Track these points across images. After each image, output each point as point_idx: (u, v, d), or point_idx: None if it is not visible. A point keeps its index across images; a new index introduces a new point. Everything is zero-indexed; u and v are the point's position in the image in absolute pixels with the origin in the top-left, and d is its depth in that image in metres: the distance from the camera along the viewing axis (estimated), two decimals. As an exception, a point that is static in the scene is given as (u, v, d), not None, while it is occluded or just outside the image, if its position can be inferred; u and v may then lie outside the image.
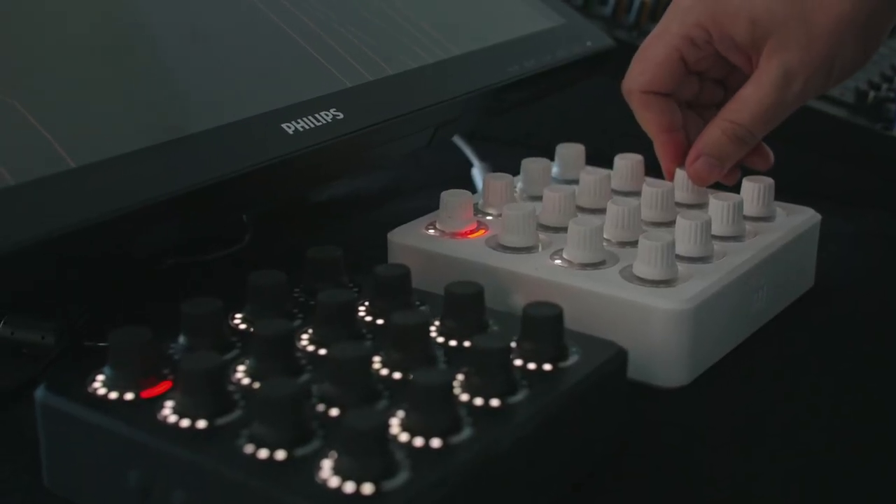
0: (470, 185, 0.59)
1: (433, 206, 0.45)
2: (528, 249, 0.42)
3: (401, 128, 0.45)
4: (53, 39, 0.40)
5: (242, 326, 0.36)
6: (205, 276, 0.48)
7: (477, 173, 0.58)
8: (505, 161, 0.61)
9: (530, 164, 0.48)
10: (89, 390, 0.32)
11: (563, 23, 0.55)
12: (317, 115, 0.42)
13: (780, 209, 0.46)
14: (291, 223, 0.54)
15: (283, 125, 0.41)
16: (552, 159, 0.49)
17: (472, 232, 0.44)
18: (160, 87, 0.40)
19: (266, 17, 0.46)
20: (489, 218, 0.45)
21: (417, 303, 0.38)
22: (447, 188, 0.44)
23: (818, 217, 0.46)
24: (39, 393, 0.32)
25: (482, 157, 0.60)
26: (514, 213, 0.42)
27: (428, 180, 0.60)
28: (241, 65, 0.43)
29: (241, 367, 0.33)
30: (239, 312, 0.37)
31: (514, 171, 0.49)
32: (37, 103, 0.36)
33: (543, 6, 0.56)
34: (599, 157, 0.51)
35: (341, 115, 0.43)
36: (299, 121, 0.42)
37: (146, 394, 0.31)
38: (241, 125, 0.40)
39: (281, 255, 0.49)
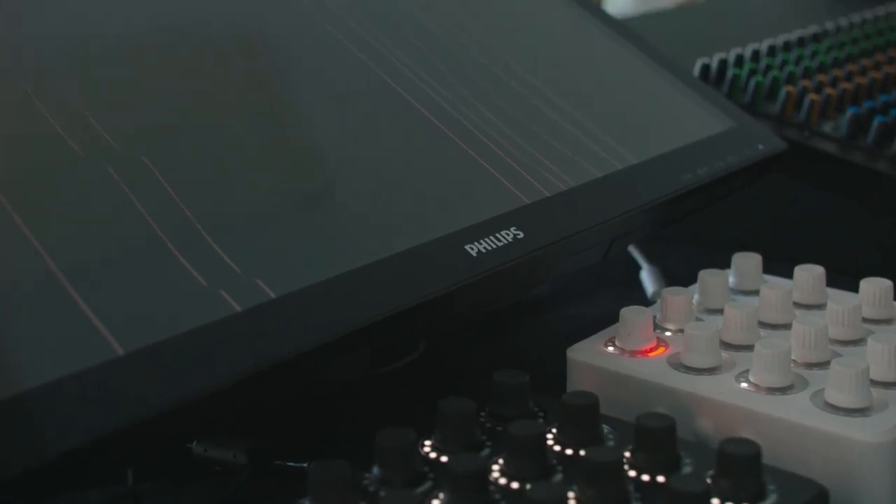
0: (638, 288, 0.58)
1: (603, 311, 0.45)
2: (712, 370, 0.41)
3: (579, 243, 0.45)
4: (232, 169, 0.41)
5: (433, 455, 0.36)
6: (383, 388, 0.48)
7: (646, 277, 0.58)
8: (672, 261, 0.61)
9: (708, 277, 0.47)
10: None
11: (733, 126, 0.55)
12: (498, 235, 0.43)
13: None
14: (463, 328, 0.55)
15: (467, 247, 0.42)
16: (718, 255, 0.49)
17: (652, 350, 0.43)
18: (343, 213, 0.41)
19: (438, 130, 0.47)
20: (668, 334, 0.45)
21: (606, 429, 0.38)
22: (615, 291, 0.44)
23: None
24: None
25: (649, 257, 0.60)
26: (697, 332, 0.41)
27: (596, 282, 0.59)
28: (419, 183, 0.44)
29: (435, 502, 0.33)
30: (428, 439, 0.37)
31: (683, 272, 0.48)
32: (230, 239, 0.38)
33: (714, 109, 0.56)
34: (768, 257, 0.50)
35: (521, 234, 0.43)
36: (481, 242, 0.42)
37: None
38: (424, 249, 0.41)
39: (456, 366, 0.49)
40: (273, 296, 0.36)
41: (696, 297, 0.48)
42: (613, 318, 0.46)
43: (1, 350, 0.32)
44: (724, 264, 0.51)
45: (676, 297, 0.45)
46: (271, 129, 0.45)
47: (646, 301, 0.56)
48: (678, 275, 0.57)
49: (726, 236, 0.62)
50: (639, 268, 0.59)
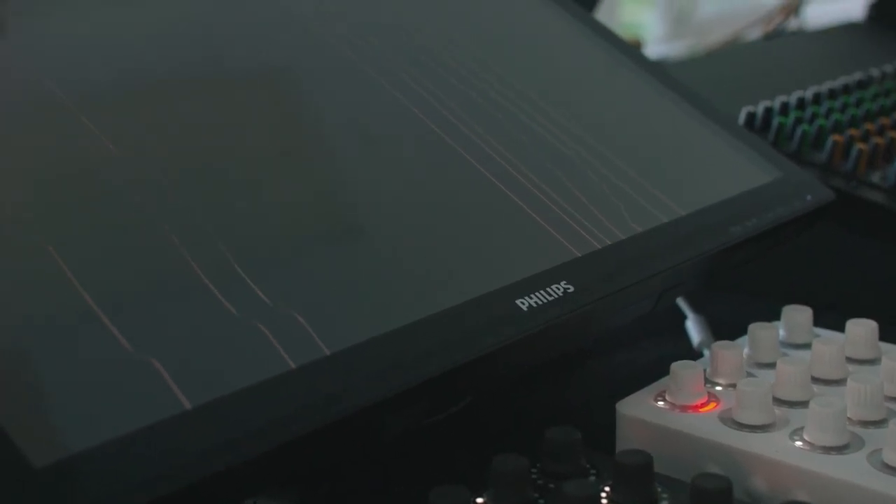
0: (683, 336, 0.58)
1: (648, 359, 0.44)
2: (766, 428, 0.41)
3: (629, 297, 0.45)
4: (287, 223, 0.41)
5: (487, 514, 0.36)
6: (430, 442, 0.48)
7: (692, 326, 0.58)
8: (717, 309, 0.60)
9: (758, 331, 0.47)
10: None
11: (781, 176, 0.55)
12: (549, 290, 0.42)
13: None
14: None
15: (518, 301, 0.41)
16: (763, 303, 0.48)
17: (703, 405, 0.43)
18: (393, 266, 0.41)
19: (486, 179, 0.47)
20: (719, 389, 0.44)
21: (659, 489, 0.37)
22: (660, 339, 0.44)
23: None
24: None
25: (693, 305, 0.59)
26: (750, 389, 0.41)
27: (640, 329, 0.59)
28: (469, 234, 0.44)
29: (490, 563, 0.33)
30: (480, 497, 0.37)
31: (728, 320, 0.48)
32: (282, 291, 0.38)
33: (761, 159, 0.55)
34: (813, 305, 0.49)
35: (572, 288, 0.43)
36: (532, 296, 0.42)
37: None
38: (476, 304, 0.41)
39: (503, 415, 0.49)
40: (327, 352, 0.36)
41: (746, 350, 0.48)
42: (659, 368, 0.46)
43: (61, 406, 0.32)
44: (770, 312, 0.50)
45: (727, 352, 0.45)
46: (316, 182, 0.45)
47: (691, 350, 0.56)
48: (723, 323, 0.57)
49: (771, 284, 0.62)
50: (683, 315, 0.59)
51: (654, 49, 1.15)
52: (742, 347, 0.46)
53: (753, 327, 0.47)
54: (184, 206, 0.40)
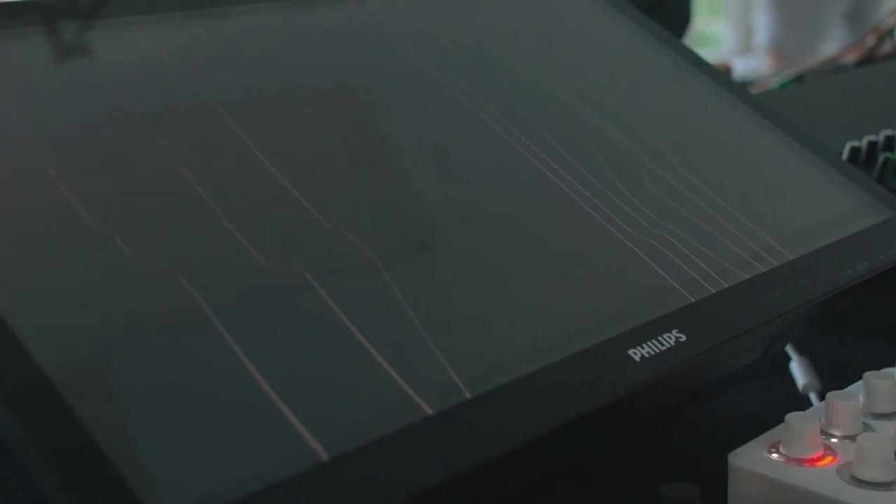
0: (787, 378, 0.57)
1: (754, 403, 0.43)
2: (888, 485, 0.40)
3: (740, 345, 0.44)
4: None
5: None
6: (540, 497, 0.48)
7: (796, 368, 0.56)
8: (822, 350, 0.59)
9: (874, 380, 0.46)
10: None
11: (891, 216, 0.53)
12: (660, 339, 0.42)
13: None
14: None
15: (630, 351, 0.41)
16: (868, 343, 0.47)
17: (819, 459, 0.42)
18: (508, 316, 0.41)
19: (596, 222, 0.46)
20: (834, 440, 0.43)
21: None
22: (764, 381, 0.43)
23: None
24: None
25: (797, 345, 0.58)
26: (871, 444, 0.40)
27: (743, 370, 0.58)
28: (581, 277, 0.44)
29: None
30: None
31: (834, 361, 0.47)
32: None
33: (869, 197, 0.54)
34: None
35: (683, 337, 0.42)
36: (644, 346, 0.41)
37: None
38: (588, 355, 0.40)
39: (610, 462, 0.48)
40: (430, 412, 0.36)
41: (860, 398, 0.46)
42: (765, 412, 0.45)
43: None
44: (875, 352, 0.49)
45: (843, 404, 0.44)
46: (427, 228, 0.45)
47: (796, 392, 0.55)
48: (828, 364, 0.56)
49: (875, 323, 0.60)
50: (786, 355, 0.58)
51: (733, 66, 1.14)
52: (857, 397, 0.45)
53: (869, 376, 0.46)
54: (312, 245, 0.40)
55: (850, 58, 0.96)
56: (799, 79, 0.98)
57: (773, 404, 0.48)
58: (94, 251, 0.37)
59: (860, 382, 0.47)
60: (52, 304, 0.34)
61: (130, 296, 0.36)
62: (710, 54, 0.88)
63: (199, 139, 0.43)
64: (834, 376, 0.55)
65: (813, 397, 0.54)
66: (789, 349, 0.58)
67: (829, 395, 0.45)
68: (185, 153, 0.42)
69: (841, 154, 0.62)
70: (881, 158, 0.61)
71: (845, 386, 0.47)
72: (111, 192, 0.39)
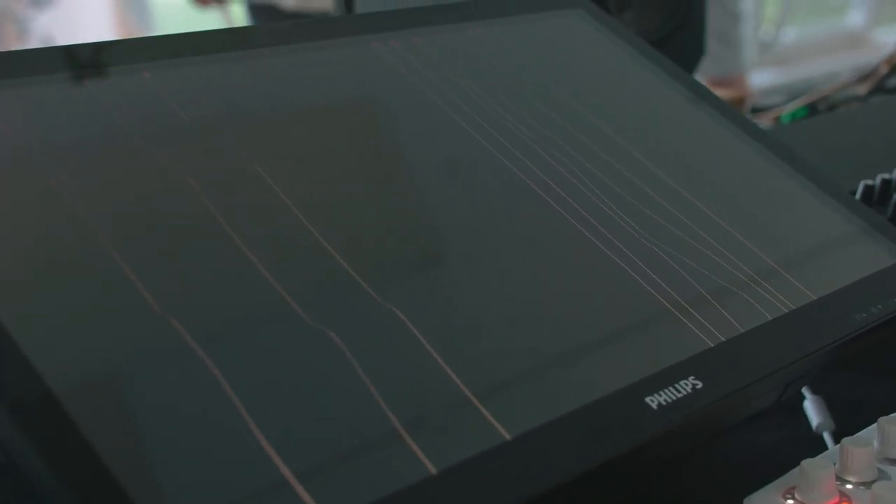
0: (801, 416, 0.57)
1: (768, 442, 0.43)
2: (903, 534, 0.40)
3: (757, 391, 0.45)
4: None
5: None
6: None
7: (810, 407, 0.57)
8: (835, 388, 0.59)
9: (889, 426, 0.46)
10: None
11: (904, 257, 0.54)
12: (676, 386, 0.42)
13: None
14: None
15: (647, 399, 0.41)
16: (882, 381, 0.47)
17: (835, 505, 0.42)
18: (530, 366, 0.41)
19: (616, 265, 0.47)
20: (849, 487, 0.44)
21: None
22: (777, 419, 0.43)
23: None
24: None
25: (811, 384, 0.58)
26: (887, 495, 0.40)
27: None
28: (597, 323, 0.44)
29: None
30: None
31: (846, 399, 0.47)
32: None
33: (884, 239, 0.54)
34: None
35: (700, 384, 0.43)
36: (661, 393, 0.42)
37: None
38: (605, 402, 0.40)
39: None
40: (434, 472, 0.36)
41: (875, 444, 0.47)
42: (779, 452, 0.45)
43: None
44: (889, 390, 0.49)
45: (858, 450, 0.44)
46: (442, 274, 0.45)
47: (810, 431, 0.55)
48: (842, 402, 0.56)
49: (889, 362, 0.61)
50: (801, 394, 0.58)
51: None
52: (872, 442, 0.45)
53: (883, 422, 0.46)
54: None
55: (863, 88, 0.96)
56: (811, 106, 0.99)
57: (786, 444, 0.49)
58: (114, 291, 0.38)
59: (874, 426, 0.47)
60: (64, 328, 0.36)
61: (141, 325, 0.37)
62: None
63: (205, 158, 0.44)
64: (848, 415, 0.55)
65: (827, 437, 0.54)
66: (804, 389, 0.58)
67: (844, 441, 0.45)
68: (193, 170, 0.43)
69: (854, 192, 0.62)
70: (895, 198, 0.61)
71: (859, 425, 0.48)
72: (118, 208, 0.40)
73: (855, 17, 4.62)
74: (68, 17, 3.93)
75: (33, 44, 3.72)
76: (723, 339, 0.45)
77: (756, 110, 1.05)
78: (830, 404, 0.57)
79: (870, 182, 0.63)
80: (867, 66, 1.01)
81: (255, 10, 2.22)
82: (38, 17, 3.74)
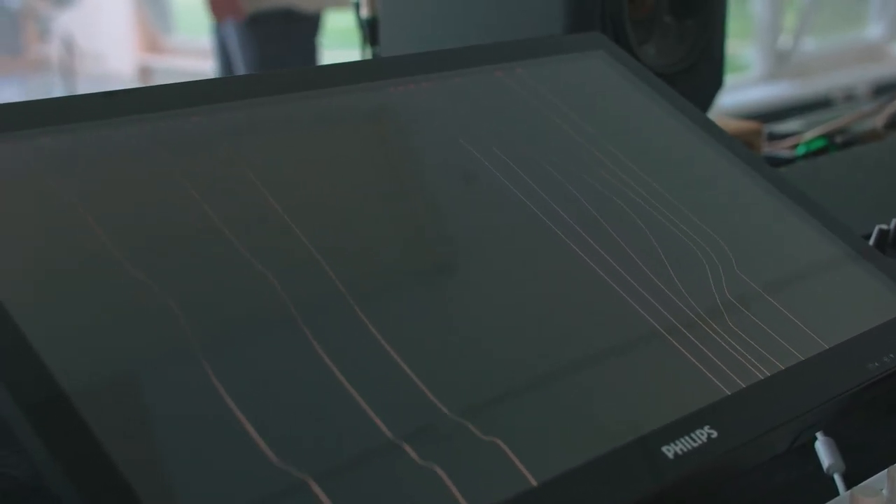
0: (812, 457, 0.58)
1: (779, 484, 0.44)
2: (910, 586, 0.41)
3: (771, 440, 0.46)
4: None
5: None
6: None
7: (821, 448, 0.58)
8: (846, 428, 0.60)
9: (898, 475, 0.47)
10: None
11: (916, 306, 0.55)
12: (692, 435, 0.43)
13: None
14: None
15: (664, 448, 0.42)
16: (893, 420, 0.48)
17: (844, 553, 0.44)
18: (548, 412, 0.43)
19: (635, 312, 0.48)
20: (859, 534, 0.45)
21: None
22: (787, 460, 0.44)
23: None
24: None
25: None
26: (894, 547, 0.42)
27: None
28: (615, 372, 0.45)
29: None
30: None
31: (858, 440, 0.47)
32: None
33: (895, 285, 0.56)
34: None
35: (715, 434, 0.44)
36: (677, 443, 0.43)
37: None
38: (623, 452, 0.42)
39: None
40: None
41: (884, 492, 0.48)
42: (788, 494, 0.46)
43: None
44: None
45: (868, 500, 0.46)
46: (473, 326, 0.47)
47: (820, 471, 0.56)
48: (853, 444, 0.57)
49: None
50: (813, 438, 0.59)
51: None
52: (881, 491, 0.47)
53: (893, 470, 0.48)
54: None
55: (880, 120, 0.97)
56: (828, 137, 1.00)
57: (798, 486, 0.50)
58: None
59: (884, 472, 0.48)
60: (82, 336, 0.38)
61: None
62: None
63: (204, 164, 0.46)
64: (859, 455, 0.56)
65: (838, 479, 0.55)
66: (815, 429, 0.59)
67: (854, 490, 0.47)
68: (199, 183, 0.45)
69: (868, 237, 0.63)
70: (908, 242, 0.63)
71: (870, 464, 0.49)
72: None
73: (874, 30, 4.62)
74: (89, 17, 3.96)
75: (54, 43, 3.75)
76: (738, 387, 0.46)
77: (773, 137, 1.06)
78: (841, 443, 0.58)
79: (884, 227, 0.64)
80: (883, 78, 1.02)
81: (266, 18, 2.23)
82: (59, 17, 3.77)
